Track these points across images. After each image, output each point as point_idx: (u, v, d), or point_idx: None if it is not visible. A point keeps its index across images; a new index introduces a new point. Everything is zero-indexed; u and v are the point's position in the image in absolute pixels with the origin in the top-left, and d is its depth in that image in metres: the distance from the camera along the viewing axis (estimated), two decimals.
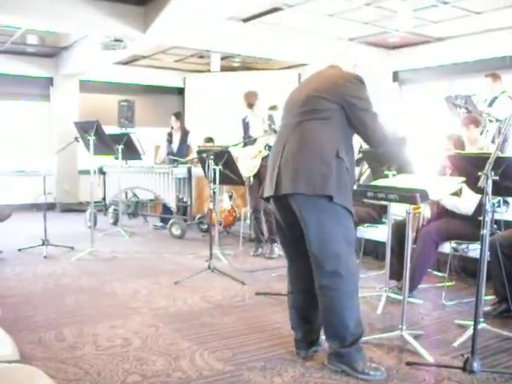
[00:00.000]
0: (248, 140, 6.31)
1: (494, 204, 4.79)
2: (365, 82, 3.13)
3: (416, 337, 3.68)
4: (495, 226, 5.02)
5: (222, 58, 11.41)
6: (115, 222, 8.79)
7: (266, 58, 10.78)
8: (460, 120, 6.15)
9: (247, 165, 6.36)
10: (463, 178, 3.60)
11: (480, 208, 3.29)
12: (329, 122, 3.05)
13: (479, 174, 3.08)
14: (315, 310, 3.26)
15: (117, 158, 7.78)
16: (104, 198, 8.85)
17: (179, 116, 8.81)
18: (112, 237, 7.77)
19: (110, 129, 8.75)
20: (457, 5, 7.75)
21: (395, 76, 10.87)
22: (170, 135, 8.76)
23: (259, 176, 6.34)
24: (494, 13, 8.00)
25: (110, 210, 9.07)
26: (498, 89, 6.78)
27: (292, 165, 3.03)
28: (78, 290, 4.95)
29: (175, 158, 8.38)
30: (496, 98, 6.71)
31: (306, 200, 3.01)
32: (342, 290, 3.03)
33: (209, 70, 11.87)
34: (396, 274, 4.56)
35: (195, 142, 8.75)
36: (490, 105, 6.77)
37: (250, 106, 6.35)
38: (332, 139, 3.02)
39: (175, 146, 8.70)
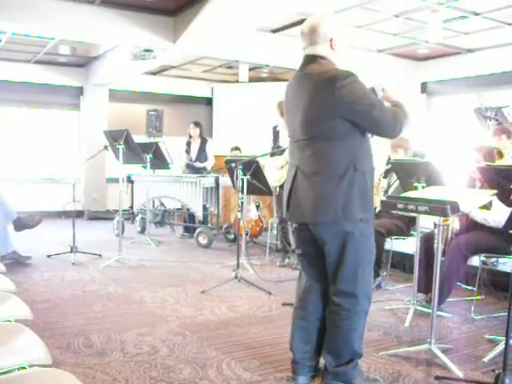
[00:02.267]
0: (276, 150, 6.31)
1: None
2: (351, 74, 2.83)
3: (445, 351, 3.63)
4: None
5: (250, 69, 11.46)
6: (142, 231, 8.85)
7: (293, 68, 10.78)
8: (491, 131, 6.10)
9: (274, 175, 6.36)
10: (494, 191, 3.56)
11: (510, 221, 3.24)
12: (336, 137, 2.86)
13: (511, 186, 3.05)
14: (321, 332, 3.14)
15: (145, 167, 7.85)
16: (131, 207, 8.93)
17: (198, 124, 8.88)
18: (139, 245, 7.83)
19: (139, 138, 8.83)
20: (488, 16, 7.68)
21: (423, 87, 10.80)
22: (189, 144, 8.87)
23: None
24: None
25: (138, 218, 9.14)
26: None
27: (307, 190, 2.92)
28: (105, 297, 4.99)
29: (195, 165, 8.51)
30: None
31: (326, 226, 2.90)
32: (354, 311, 2.96)
33: (237, 81, 11.93)
34: (424, 286, 4.52)
35: (213, 150, 8.83)
36: None
37: (283, 114, 6.35)
38: (345, 154, 2.85)
39: (193, 154, 8.79)
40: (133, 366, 3.33)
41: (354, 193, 2.84)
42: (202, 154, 8.74)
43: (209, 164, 8.74)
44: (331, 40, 3.01)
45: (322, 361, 3.19)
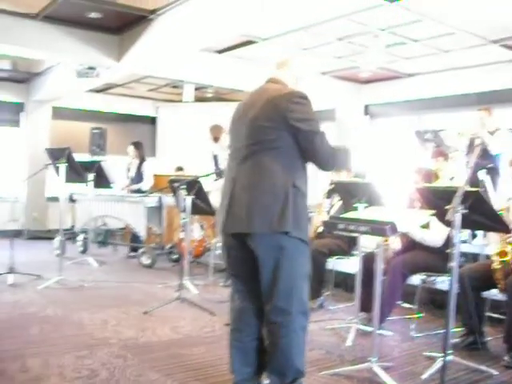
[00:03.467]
0: (219, 171, 6.32)
1: (461, 237, 4.87)
2: (307, 97, 2.93)
3: (386, 369, 3.68)
4: (463, 259, 5.10)
5: (196, 89, 11.49)
6: (84, 251, 8.67)
7: (239, 89, 10.87)
8: (430, 153, 6.28)
9: (218, 198, 6.34)
10: (432, 211, 3.66)
11: (448, 241, 3.34)
12: (278, 151, 2.88)
13: (447, 207, 3.14)
14: (259, 352, 3.11)
15: (87, 186, 7.72)
16: (73, 226, 8.75)
17: (137, 145, 8.84)
18: (81, 265, 7.65)
19: (82, 156, 8.70)
20: (426, 43, 7.96)
21: (366, 110, 11.06)
22: (129, 166, 8.85)
23: None
24: (461, 52, 8.25)
25: (80, 238, 8.95)
26: (491, 123, 6.81)
27: (245, 201, 2.88)
28: (43, 319, 4.84)
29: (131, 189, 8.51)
30: (489, 131, 6.73)
31: (261, 238, 2.87)
32: (292, 328, 2.91)
33: (182, 100, 11.93)
34: (366, 305, 4.57)
35: (150, 170, 8.80)
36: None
37: (216, 139, 6.37)
38: (285, 169, 2.87)
39: (132, 174, 8.76)
40: None
41: (289, 208, 2.83)
42: (139, 175, 8.70)
43: (144, 185, 8.63)
44: (296, 78, 3.17)
45: (265, 381, 3.17)
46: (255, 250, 2.91)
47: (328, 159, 2.96)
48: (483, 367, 3.75)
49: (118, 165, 9.11)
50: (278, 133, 2.88)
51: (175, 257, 8.08)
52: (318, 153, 2.92)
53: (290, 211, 2.83)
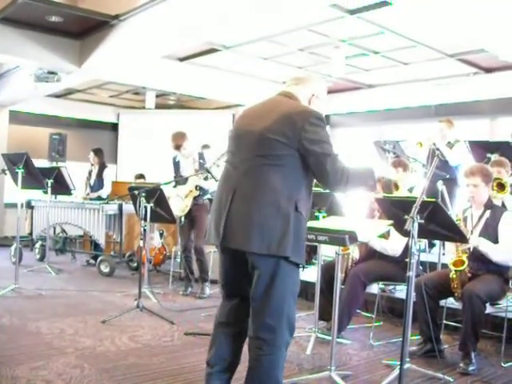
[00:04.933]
0: (180, 179, 6.29)
1: (419, 246, 4.95)
2: (323, 119, 2.86)
3: (344, 377, 3.71)
4: (421, 268, 5.18)
5: (157, 96, 11.44)
6: (42, 258, 8.51)
7: (200, 97, 10.87)
8: (389, 164, 6.38)
9: (179, 204, 6.32)
10: (391, 221, 3.71)
11: (407, 250, 3.39)
12: (286, 169, 2.79)
13: (405, 217, 3.19)
14: (238, 348, 3.09)
15: (46, 193, 7.59)
16: (31, 233, 8.58)
17: (98, 152, 8.76)
18: (38, 273, 7.50)
19: (40, 162, 8.56)
20: (386, 55, 8.11)
21: (327, 120, 11.16)
22: (90, 172, 8.77)
23: (190, 215, 6.32)
24: (420, 64, 8.43)
25: (37, 245, 8.80)
26: (452, 134, 6.93)
27: (245, 217, 2.78)
28: None
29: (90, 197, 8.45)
30: (449, 142, 6.88)
31: (259, 258, 2.78)
32: (277, 345, 2.85)
33: (143, 107, 11.85)
34: (325, 314, 4.60)
35: (109, 176, 8.75)
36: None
37: (177, 147, 6.32)
38: (290, 190, 2.77)
39: (92, 181, 8.68)
40: None
41: (290, 232, 2.75)
42: (99, 181, 8.61)
43: (103, 192, 8.56)
44: (313, 95, 3.04)
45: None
46: (252, 265, 2.84)
47: (338, 182, 2.85)
48: (439, 374, 3.81)
49: (78, 171, 8.98)
50: (288, 150, 2.78)
51: (135, 265, 7.99)
52: (328, 175, 2.82)
53: (291, 236, 2.75)
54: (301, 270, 2.96)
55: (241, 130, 3.02)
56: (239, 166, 2.89)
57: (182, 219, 6.37)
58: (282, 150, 2.78)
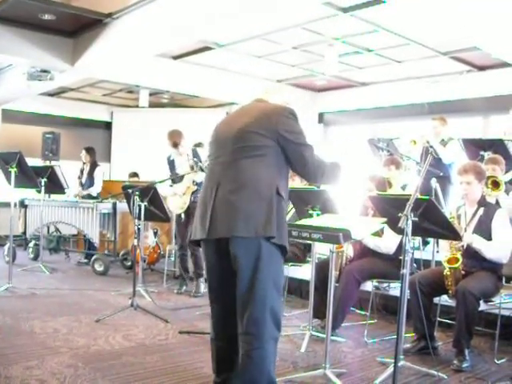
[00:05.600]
0: (175, 177, 6.28)
1: (413, 244, 4.97)
2: (296, 115, 3.04)
3: (339, 375, 3.72)
4: (415, 265, 5.19)
5: (151, 94, 11.42)
6: (35, 258, 8.49)
7: (194, 95, 10.85)
8: (382, 161, 6.39)
9: (177, 202, 6.32)
10: (384, 219, 3.72)
11: (401, 248, 3.39)
12: (265, 158, 2.93)
13: (399, 214, 3.19)
14: (237, 356, 3.07)
15: (39, 192, 7.57)
16: (24, 232, 8.56)
17: (89, 150, 8.76)
18: (32, 273, 7.48)
19: (34, 161, 8.52)
20: (380, 53, 8.12)
21: (321, 118, 11.18)
22: (82, 171, 8.77)
23: (189, 213, 6.31)
24: (413, 62, 8.45)
25: (31, 244, 8.78)
26: (446, 132, 6.95)
27: (229, 205, 2.87)
28: None
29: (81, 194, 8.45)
30: (443, 140, 6.91)
31: (243, 243, 2.85)
32: (265, 338, 2.90)
33: (137, 106, 11.83)
34: (319, 312, 4.61)
35: (101, 175, 8.74)
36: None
37: (175, 145, 6.32)
38: (270, 176, 2.92)
39: (84, 179, 8.68)
40: None
41: (274, 214, 2.86)
42: (90, 180, 8.61)
43: (94, 190, 8.55)
44: (285, 102, 3.24)
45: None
46: (234, 254, 2.88)
47: (316, 172, 3.05)
48: (433, 371, 3.82)
49: (71, 170, 8.95)
50: (266, 140, 2.93)
51: (129, 264, 7.98)
52: (306, 165, 3.00)
53: (275, 217, 2.85)
54: (291, 267, 3.01)
55: (220, 133, 3.18)
56: (220, 161, 3.04)
57: (182, 216, 6.35)
58: (261, 141, 2.94)
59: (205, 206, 3.00)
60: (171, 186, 6.37)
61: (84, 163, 8.74)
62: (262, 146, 2.93)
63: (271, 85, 3.41)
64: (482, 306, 4.31)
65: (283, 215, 2.96)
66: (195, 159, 6.15)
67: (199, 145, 7.63)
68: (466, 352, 4.02)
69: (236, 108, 3.33)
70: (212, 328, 3.19)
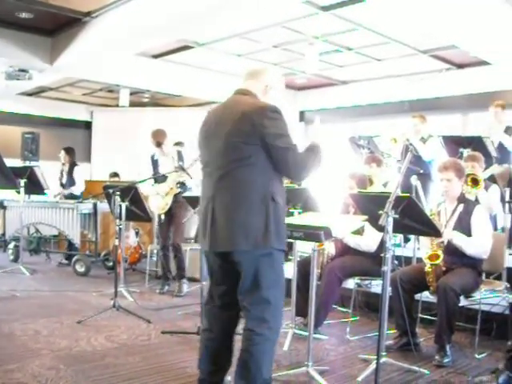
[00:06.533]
0: (158, 177, 6.26)
1: (395, 241, 4.99)
2: (279, 111, 2.96)
3: (322, 372, 3.73)
4: (396, 262, 5.22)
5: (131, 93, 11.35)
6: (15, 259, 8.40)
7: (175, 94, 10.82)
8: (363, 159, 6.42)
9: (158, 202, 6.29)
10: (365, 216, 3.74)
11: (382, 245, 3.41)
12: (255, 166, 2.91)
13: (380, 212, 3.21)
14: (227, 353, 3.16)
15: (19, 192, 7.49)
16: (4, 234, 8.46)
17: (68, 151, 8.68)
18: (11, 274, 7.39)
19: (13, 162, 8.44)
20: (359, 51, 8.16)
21: (301, 116, 11.20)
22: (61, 171, 8.70)
23: (171, 213, 6.29)
24: (393, 60, 8.50)
25: (11, 246, 8.68)
26: (425, 129, 7.02)
27: (227, 219, 2.91)
28: None
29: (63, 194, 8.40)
30: (423, 138, 6.97)
31: (245, 254, 2.91)
32: (266, 336, 2.95)
33: (117, 105, 11.75)
34: (302, 310, 4.61)
35: (81, 175, 8.69)
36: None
37: (159, 144, 6.32)
38: (264, 184, 2.91)
39: (64, 179, 8.62)
40: None
41: (271, 223, 2.88)
42: (71, 180, 8.55)
43: (75, 189, 8.49)
44: (266, 86, 3.14)
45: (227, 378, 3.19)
46: (238, 264, 2.95)
47: (300, 173, 3.03)
48: (415, 367, 3.85)
49: (51, 170, 8.87)
50: (253, 148, 2.90)
51: (110, 264, 7.93)
52: (290, 168, 2.96)
53: (272, 226, 2.89)
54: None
55: (207, 137, 3.15)
56: (213, 174, 3.03)
57: (162, 217, 6.34)
58: (248, 151, 2.91)
59: (204, 220, 3.04)
60: (153, 185, 6.35)
61: (63, 164, 8.66)
62: (250, 155, 2.91)
63: (251, 68, 3.27)
64: (463, 302, 4.34)
65: (281, 220, 2.97)
66: (180, 163, 6.11)
67: (179, 144, 7.61)
68: (448, 347, 4.06)
69: (217, 105, 3.22)
70: (206, 320, 3.23)
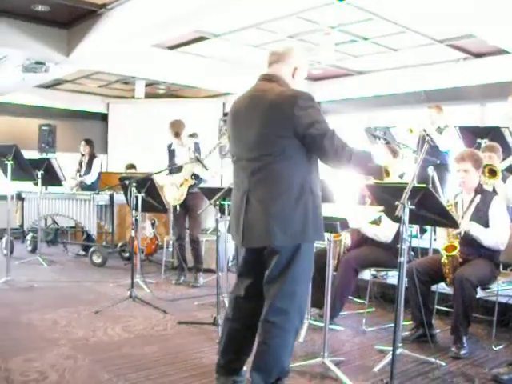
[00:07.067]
0: (173, 167, 6.28)
1: (411, 232, 4.97)
2: (311, 97, 2.89)
3: (337, 363, 3.73)
4: (412, 254, 5.20)
5: (147, 85, 11.37)
6: (33, 250, 8.48)
7: (190, 86, 10.82)
8: (379, 150, 6.36)
9: (173, 193, 6.31)
10: (382, 207, 3.72)
11: (398, 236, 3.39)
12: (290, 158, 2.85)
13: (396, 203, 3.19)
14: (248, 343, 3.17)
15: (36, 184, 7.56)
16: (22, 225, 8.55)
17: (88, 142, 8.77)
18: (30, 265, 7.48)
19: (30, 154, 8.49)
20: (376, 41, 8.08)
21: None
22: (81, 163, 8.76)
23: (185, 204, 6.31)
24: (409, 50, 8.41)
25: (28, 237, 8.76)
26: (441, 120, 7.00)
27: (263, 214, 2.86)
28: None
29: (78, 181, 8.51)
30: (439, 128, 6.94)
31: (281, 248, 2.88)
32: (287, 329, 2.93)
33: (133, 97, 11.78)
34: (317, 301, 4.60)
35: (98, 167, 8.75)
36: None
37: (177, 135, 6.35)
38: (301, 176, 2.86)
39: (83, 170, 8.69)
40: None
41: (310, 216, 2.86)
42: (88, 170, 8.65)
43: (88, 178, 8.56)
44: (295, 69, 3.04)
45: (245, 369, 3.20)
46: (271, 255, 2.92)
47: (340, 158, 2.87)
48: (431, 359, 3.84)
49: (68, 162, 8.93)
50: (288, 141, 2.84)
51: (127, 255, 7.98)
52: (329, 154, 2.86)
53: (311, 219, 2.87)
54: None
55: (237, 128, 3.07)
56: (247, 167, 2.96)
57: (178, 208, 6.36)
58: (283, 143, 2.84)
59: (237, 215, 3.00)
60: (168, 174, 6.36)
61: (83, 155, 8.73)
62: (284, 148, 2.84)
63: (276, 50, 3.12)
64: (480, 293, 4.32)
65: (319, 212, 2.94)
66: (196, 154, 6.12)
67: (193, 135, 7.63)
68: (464, 339, 4.04)
69: (242, 94, 3.10)
70: (230, 309, 3.22)
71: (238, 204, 3.00)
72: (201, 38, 8.11)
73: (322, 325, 3.87)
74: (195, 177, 6.25)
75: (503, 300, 4.54)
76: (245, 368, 3.22)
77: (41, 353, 3.89)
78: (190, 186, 6.26)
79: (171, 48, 8.67)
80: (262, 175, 2.89)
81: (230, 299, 3.29)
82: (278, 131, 2.84)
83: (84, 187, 8.48)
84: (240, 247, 3.17)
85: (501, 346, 4.23)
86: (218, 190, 4.62)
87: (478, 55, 8.53)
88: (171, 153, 6.47)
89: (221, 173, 8.57)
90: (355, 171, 3.10)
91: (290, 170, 2.85)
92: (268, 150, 2.86)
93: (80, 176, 8.62)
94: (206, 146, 6.44)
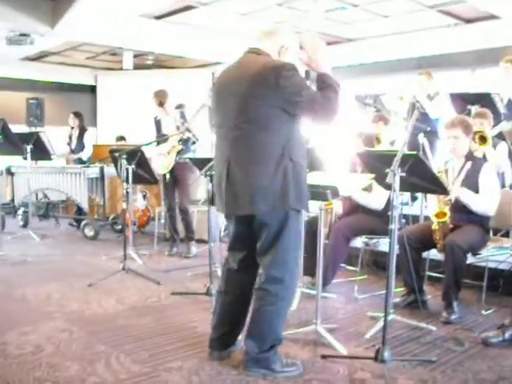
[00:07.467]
0: (161, 139, 6.24)
1: (402, 199, 4.99)
2: (295, 67, 2.92)
3: (330, 330, 3.77)
4: (404, 221, 5.23)
5: (135, 56, 11.24)
6: (25, 225, 8.45)
7: (179, 56, 10.70)
8: (370, 118, 6.36)
9: (162, 162, 6.30)
10: (372, 175, 3.72)
11: (389, 203, 3.40)
12: (273, 127, 2.88)
13: (387, 170, 3.19)
14: (242, 316, 3.23)
15: (25, 158, 7.50)
16: (13, 200, 8.51)
17: (77, 115, 8.72)
18: (22, 240, 7.46)
19: (18, 128, 8.42)
20: (366, 8, 7.99)
21: (307, 75, 11.02)
22: (70, 136, 8.72)
23: (175, 176, 6.30)
24: (400, 17, 8.33)
25: (20, 211, 8.72)
26: (432, 87, 6.97)
27: (244, 183, 2.91)
28: None
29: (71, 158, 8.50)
30: (429, 95, 6.93)
31: (264, 215, 2.93)
32: (281, 296, 3.01)
33: (121, 68, 11.65)
34: (310, 269, 4.63)
35: (91, 139, 8.75)
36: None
37: (161, 104, 6.31)
38: (281, 145, 2.88)
39: (73, 144, 8.64)
40: (15, 368, 3.17)
41: (290, 183, 2.88)
42: (79, 144, 8.59)
43: (84, 154, 8.54)
44: (282, 47, 3.06)
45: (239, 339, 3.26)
46: (258, 225, 2.98)
47: (331, 115, 2.94)
48: (423, 324, 3.89)
49: (57, 136, 8.86)
50: (270, 110, 2.87)
51: (119, 227, 7.98)
52: (321, 116, 2.93)
53: (291, 187, 2.89)
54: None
55: (220, 98, 3.10)
56: (228, 135, 3.00)
57: (167, 176, 6.34)
58: (265, 112, 2.87)
59: (219, 183, 3.04)
60: (157, 146, 6.34)
61: (72, 128, 8.66)
62: (266, 116, 2.88)
63: (265, 29, 3.18)
64: (470, 259, 4.35)
65: (301, 180, 2.96)
66: (182, 120, 6.10)
67: (180, 106, 7.57)
68: (455, 304, 4.09)
69: (228, 65, 3.15)
70: (223, 282, 3.27)
71: (220, 172, 3.03)
72: (188, 7, 8.00)
73: (315, 293, 3.90)
74: (183, 142, 6.23)
75: (493, 265, 4.58)
76: (239, 337, 3.26)
77: (36, 326, 3.91)
78: (178, 152, 6.23)
79: (158, 18, 8.55)
80: (242, 143, 2.93)
81: (222, 272, 3.33)
82: (260, 100, 2.86)
83: (76, 161, 8.45)
84: (224, 216, 3.21)
85: (490, 311, 4.29)
86: (209, 160, 4.60)
87: (469, 21, 8.46)
88: (158, 124, 6.44)
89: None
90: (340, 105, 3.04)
91: (269, 138, 2.89)
92: (250, 116, 2.90)
93: (72, 151, 8.56)
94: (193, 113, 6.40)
